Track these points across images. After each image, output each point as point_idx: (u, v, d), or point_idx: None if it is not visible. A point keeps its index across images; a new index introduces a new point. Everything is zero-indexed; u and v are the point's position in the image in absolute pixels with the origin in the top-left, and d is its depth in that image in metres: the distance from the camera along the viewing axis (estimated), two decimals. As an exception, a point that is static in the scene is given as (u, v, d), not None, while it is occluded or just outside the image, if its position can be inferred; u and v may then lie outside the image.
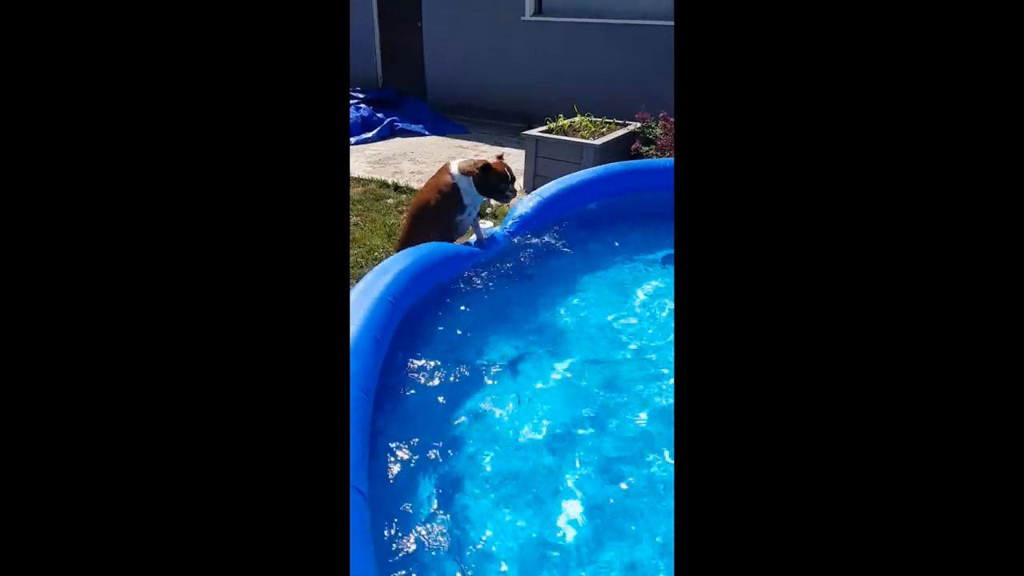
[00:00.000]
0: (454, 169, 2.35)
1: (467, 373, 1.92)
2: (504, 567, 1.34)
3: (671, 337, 2.13)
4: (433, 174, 2.49)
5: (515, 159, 5.21)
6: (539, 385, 1.92)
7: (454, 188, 2.35)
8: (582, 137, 4.35)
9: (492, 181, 2.32)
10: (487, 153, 5.65)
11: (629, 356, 2.07)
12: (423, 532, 1.38)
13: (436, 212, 2.40)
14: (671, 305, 2.27)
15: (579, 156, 4.21)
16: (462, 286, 2.30)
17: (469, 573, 1.32)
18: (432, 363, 1.91)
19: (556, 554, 1.37)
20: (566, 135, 4.42)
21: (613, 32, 5.95)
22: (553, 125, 4.63)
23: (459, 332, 2.10)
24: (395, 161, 5.36)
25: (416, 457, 1.57)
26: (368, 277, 1.84)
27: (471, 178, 2.32)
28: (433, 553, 1.34)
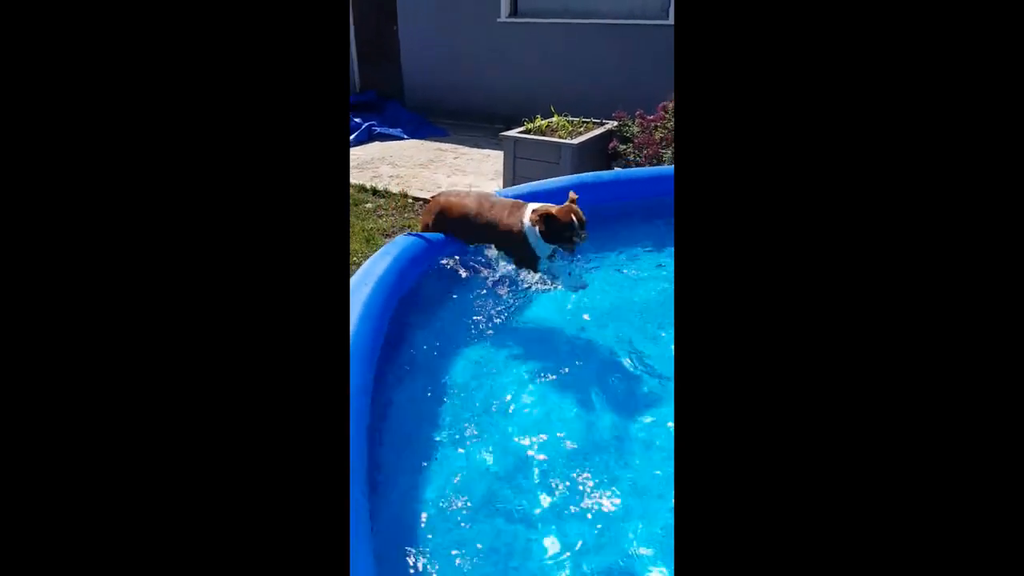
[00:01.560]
0: (526, 220, 2.20)
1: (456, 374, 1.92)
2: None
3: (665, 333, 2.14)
4: (477, 189, 2.35)
5: (494, 161, 5.21)
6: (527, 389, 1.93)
7: (523, 238, 2.21)
8: (560, 137, 4.36)
9: (555, 229, 2.14)
10: (467, 155, 5.66)
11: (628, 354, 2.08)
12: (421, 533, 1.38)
13: (505, 245, 2.30)
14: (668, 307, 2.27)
15: (557, 156, 4.22)
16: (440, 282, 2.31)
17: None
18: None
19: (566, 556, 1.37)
20: (544, 135, 4.43)
21: (589, 32, 5.98)
22: (531, 126, 4.64)
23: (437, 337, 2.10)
24: (373, 165, 5.34)
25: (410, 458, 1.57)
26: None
27: (537, 228, 2.17)
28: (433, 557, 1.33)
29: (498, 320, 2.22)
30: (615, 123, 4.73)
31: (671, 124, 4.19)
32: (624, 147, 4.47)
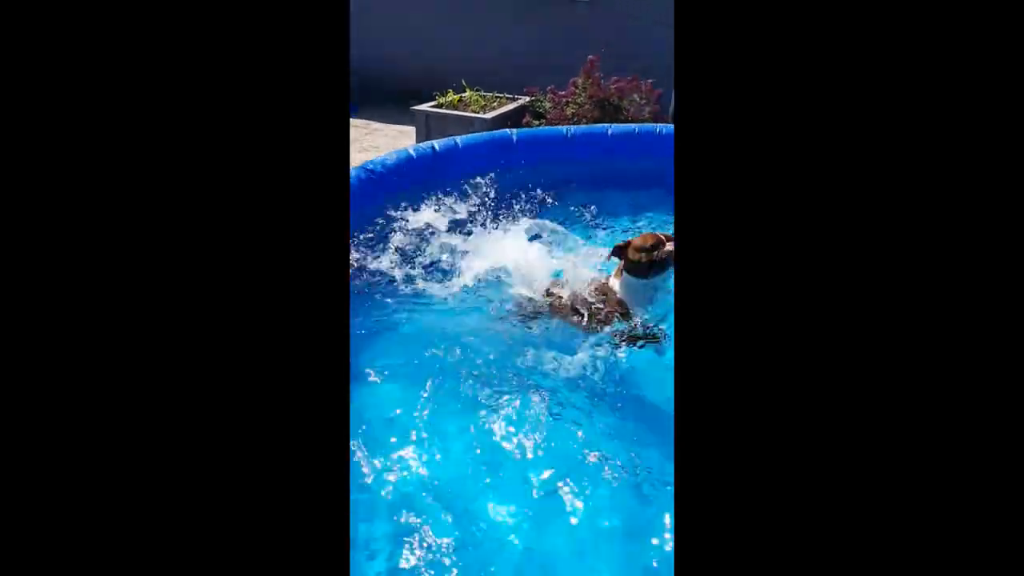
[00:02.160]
0: (613, 282, 1.92)
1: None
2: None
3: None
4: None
5: (408, 137, 5.09)
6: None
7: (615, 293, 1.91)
8: (472, 111, 4.34)
9: (638, 259, 1.79)
10: (380, 131, 5.48)
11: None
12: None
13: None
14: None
15: (470, 130, 4.20)
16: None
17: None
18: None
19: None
20: (456, 110, 4.39)
21: (502, 5, 5.93)
22: (443, 100, 4.58)
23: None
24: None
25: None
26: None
27: (622, 277, 1.87)
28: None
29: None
30: (528, 98, 4.77)
31: (581, 99, 4.28)
32: (537, 122, 4.51)
